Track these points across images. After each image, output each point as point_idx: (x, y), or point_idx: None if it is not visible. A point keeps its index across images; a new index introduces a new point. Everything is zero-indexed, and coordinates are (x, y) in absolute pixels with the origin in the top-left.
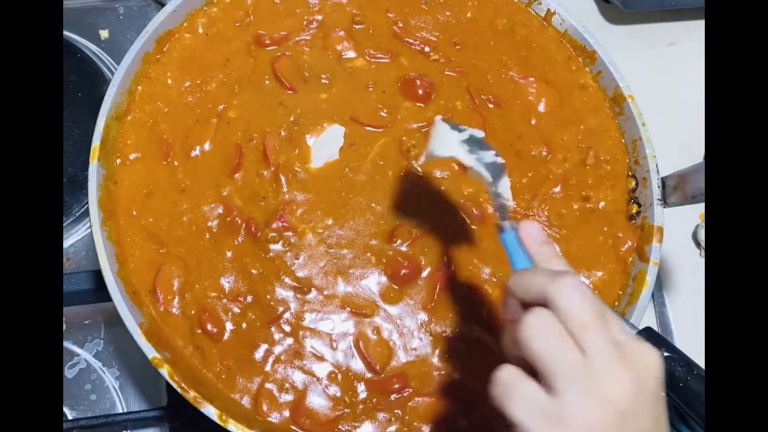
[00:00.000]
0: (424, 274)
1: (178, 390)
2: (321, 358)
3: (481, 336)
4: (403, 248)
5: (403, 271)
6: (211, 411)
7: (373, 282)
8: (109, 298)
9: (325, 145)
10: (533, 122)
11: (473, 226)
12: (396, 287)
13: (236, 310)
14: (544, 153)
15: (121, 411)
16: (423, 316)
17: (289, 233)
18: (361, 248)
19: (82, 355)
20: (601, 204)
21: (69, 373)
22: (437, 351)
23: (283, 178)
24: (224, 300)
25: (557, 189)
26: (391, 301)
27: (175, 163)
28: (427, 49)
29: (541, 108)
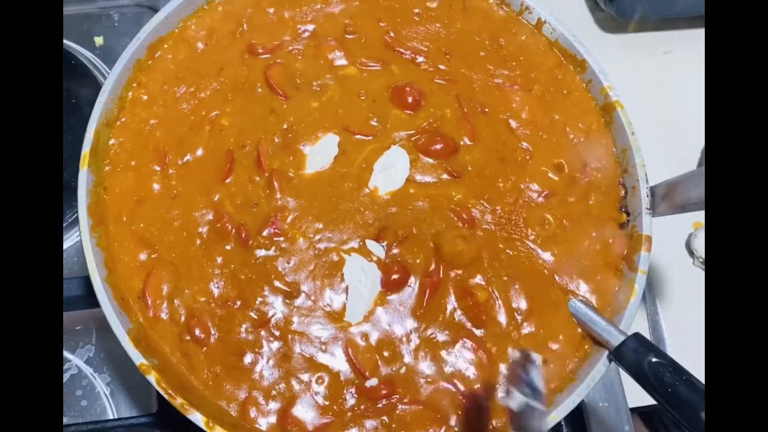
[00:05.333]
0: (413, 279)
1: (165, 396)
2: (310, 363)
3: (469, 342)
4: (393, 251)
5: (394, 276)
6: (198, 418)
7: None
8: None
9: (321, 153)
10: (517, 129)
11: (463, 231)
12: (386, 292)
13: (224, 315)
14: (528, 158)
15: (111, 417)
16: (412, 323)
17: (280, 238)
18: (350, 252)
19: (73, 361)
20: (591, 211)
21: None
22: (425, 358)
23: (276, 184)
24: (213, 305)
25: (545, 194)
26: (380, 306)
27: (170, 171)
28: (418, 58)
29: (524, 115)
